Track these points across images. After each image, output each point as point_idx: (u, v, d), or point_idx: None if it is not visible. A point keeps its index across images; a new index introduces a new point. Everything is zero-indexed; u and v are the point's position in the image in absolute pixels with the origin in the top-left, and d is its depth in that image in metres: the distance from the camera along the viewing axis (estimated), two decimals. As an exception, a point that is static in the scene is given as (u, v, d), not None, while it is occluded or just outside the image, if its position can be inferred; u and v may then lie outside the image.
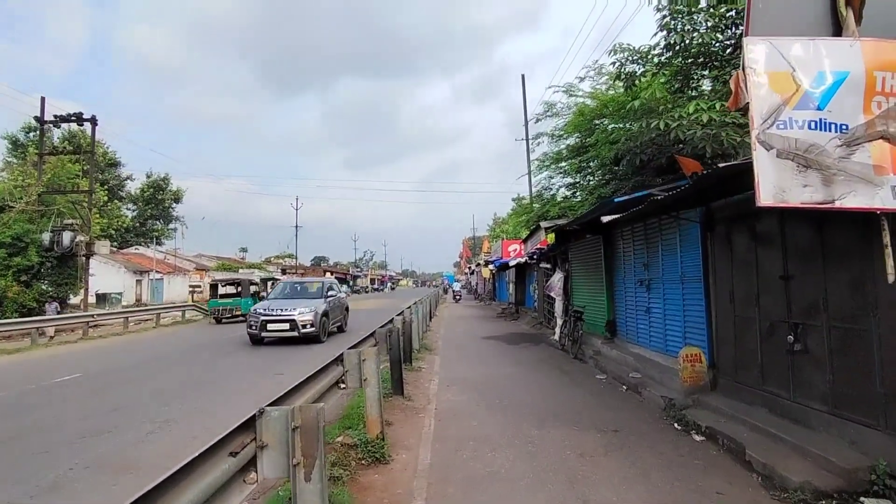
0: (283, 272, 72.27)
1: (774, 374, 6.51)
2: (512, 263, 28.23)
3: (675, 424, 7.19)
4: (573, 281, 15.93)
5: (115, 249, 52.28)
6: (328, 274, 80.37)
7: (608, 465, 5.72)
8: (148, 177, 65.22)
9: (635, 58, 9.40)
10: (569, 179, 15.34)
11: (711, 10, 7.48)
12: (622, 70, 9.76)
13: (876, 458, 4.67)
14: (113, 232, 56.96)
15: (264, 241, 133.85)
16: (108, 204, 56.61)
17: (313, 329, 15.92)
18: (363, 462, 5.74)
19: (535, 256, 20.91)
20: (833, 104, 4.01)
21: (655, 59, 9.61)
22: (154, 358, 14.46)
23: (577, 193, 14.40)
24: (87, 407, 8.79)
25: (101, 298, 36.50)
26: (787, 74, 4.10)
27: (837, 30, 4.33)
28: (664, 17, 8.17)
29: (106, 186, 58.39)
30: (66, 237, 25.43)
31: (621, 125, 11.35)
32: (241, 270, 62.56)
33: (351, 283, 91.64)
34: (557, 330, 15.72)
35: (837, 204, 3.94)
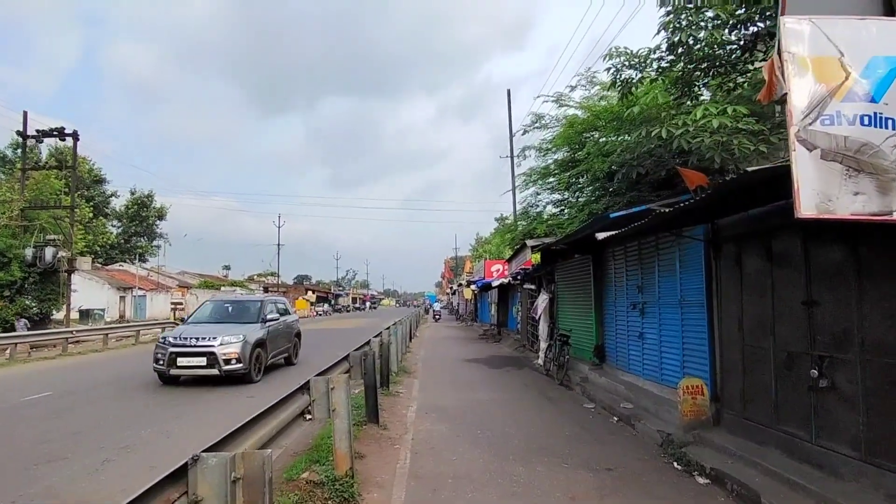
0: (266, 290, 71.10)
1: (792, 412, 5.82)
2: (495, 284, 27.48)
3: (675, 463, 6.48)
4: (559, 303, 15.25)
5: (99, 266, 51.20)
6: (310, 293, 79.27)
7: (606, 514, 5.00)
8: (132, 193, 64.34)
9: (633, 62, 8.77)
10: (557, 196, 14.65)
11: (725, 4, 6.82)
12: (618, 76, 9.14)
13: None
14: (98, 248, 55.91)
15: (248, 259, 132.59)
16: (94, 220, 55.70)
17: (240, 365, 11.92)
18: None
19: (518, 277, 20.26)
20: (890, 96, 3.38)
21: (655, 65, 9.02)
22: (128, 376, 13.53)
23: (566, 211, 13.71)
24: (47, 430, 8.11)
25: (85, 314, 35.88)
26: (833, 60, 3.47)
27: (889, 9, 3.72)
28: (668, 12, 7.50)
29: (91, 203, 57.44)
30: (49, 253, 25.12)
31: (615, 137, 10.75)
32: (223, 288, 61.48)
33: (333, 301, 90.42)
34: (541, 354, 15.02)
35: (896, 216, 3.29)
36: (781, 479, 5.34)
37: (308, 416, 5.15)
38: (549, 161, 14.18)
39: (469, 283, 42.41)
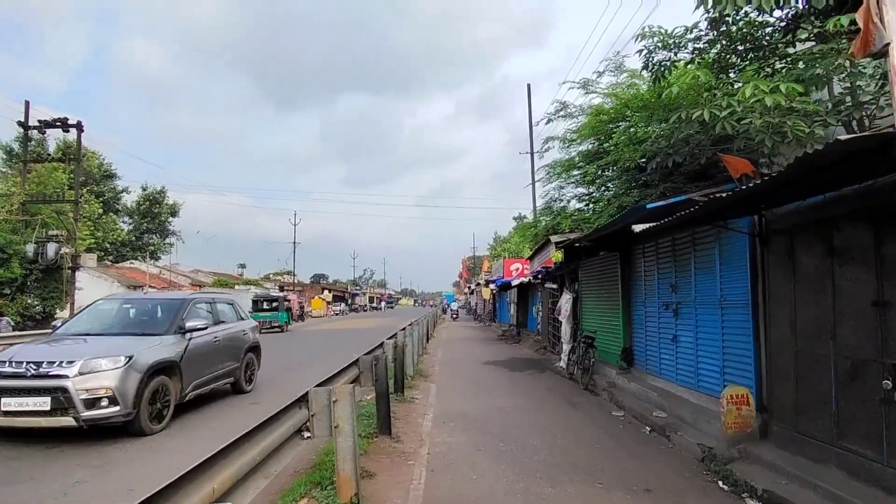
0: (281, 289, 70.81)
1: (858, 427, 5.11)
2: (514, 283, 26.77)
3: (721, 483, 5.81)
4: (583, 303, 14.55)
5: (109, 263, 51.12)
6: (326, 292, 78.85)
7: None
8: (144, 190, 64.13)
9: (668, 43, 8.05)
10: (582, 190, 13.89)
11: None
12: (650, 59, 8.42)
13: None
14: (108, 245, 55.94)
15: (264, 258, 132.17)
16: (104, 217, 55.68)
17: (116, 409, 7.31)
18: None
19: (539, 276, 19.57)
20: None
21: (690, 46, 8.30)
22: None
23: (592, 206, 12.94)
24: (24, 442, 7.22)
25: None
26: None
27: None
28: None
29: (101, 199, 57.44)
30: (51, 249, 24.41)
31: (646, 127, 10.00)
32: (236, 287, 61.27)
33: (349, 301, 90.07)
34: (564, 356, 14.35)
35: None
36: (849, 505, 4.66)
37: (306, 434, 4.54)
38: (574, 153, 13.43)
39: (487, 283, 41.64)
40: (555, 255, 14.03)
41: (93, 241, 53.00)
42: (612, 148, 10.68)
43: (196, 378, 9.07)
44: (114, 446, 7.18)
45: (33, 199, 25.55)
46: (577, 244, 11.92)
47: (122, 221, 62.61)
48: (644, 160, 9.63)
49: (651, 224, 6.86)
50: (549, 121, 13.88)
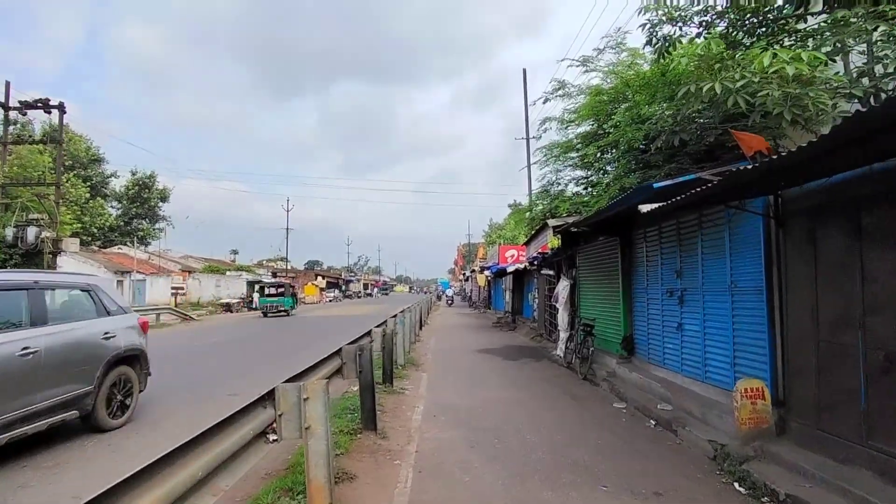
0: (274, 275, 70.36)
1: (890, 426, 4.61)
2: (510, 270, 26.23)
3: (737, 485, 5.32)
4: (581, 290, 14.03)
5: (96, 249, 50.32)
6: (320, 278, 78.22)
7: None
8: (133, 174, 63.28)
9: (673, 16, 7.46)
10: (580, 173, 13.27)
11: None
12: (654, 33, 7.83)
13: None
14: (95, 230, 55.16)
15: (258, 244, 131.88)
16: (91, 201, 54.84)
17: None
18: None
19: (536, 262, 19.03)
20: None
21: (697, 20, 7.74)
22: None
23: (590, 189, 12.33)
24: None
25: None
26: None
27: None
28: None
29: (89, 183, 56.61)
30: (31, 233, 23.73)
31: (648, 106, 9.42)
32: (227, 273, 60.68)
33: (343, 287, 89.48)
34: (561, 344, 13.85)
35: None
36: (884, 513, 4.16)
37: (271, 438, 3.99)
38: (572, 135, 12.80)
39: (483, 269, 41.04)
40: (552, 241, 13.46)
41: (79, 225, 52.43)
42: (611, 129, 10.09)
43: None
44: (74, 444, 6.65)
45: (13, 181, 24.81)
46: (576, 229, 11.35)
47: (111, 206, 61.91)
48: (646, 141, 9.05)
49: (660, 204, 6.30)
50: (546, 100, 13.22)
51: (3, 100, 24.46)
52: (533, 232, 16.79)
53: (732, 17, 7.54)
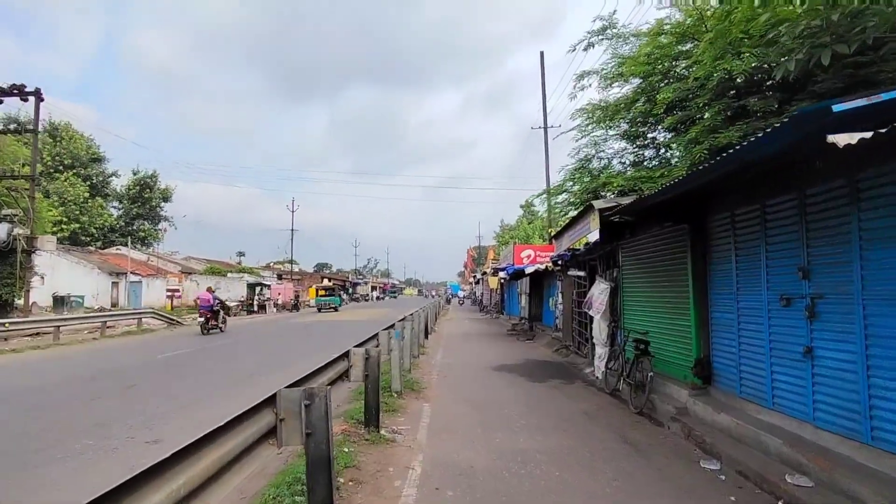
0: (280, 277, 68.22)
1: None
2: (528, 271, 23.19)
3: None
4: (625, 294, 11.11)
5: (93, 249, 48.13)
6: (325, 281, 75.69)
7: None
8: (135, 174, 61.24)
9: None
10: (625, 144, 10.17)
11: None
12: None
13: None
14: (94, 230, 53.05)
15: (266, 247, 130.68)
16: (90, 201, 52.71)
17: None
18: None
19: (560, 262, 16.10)
20: None
21: None
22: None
23: (651, 160, 9.32)
24: None
25: (59, 301, 31.73)
26: None
27: None
28: None
29: (89, 182, 54.61)
30: (3, 230, 21.89)
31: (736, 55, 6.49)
32: (229, 274, 58.19)
33: (350, 290, 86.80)
34: (598, 362, 10.99)
35: None
36: None
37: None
38: (619, 95, 9.80)
39: (496, 271, 37.92)
40: (593, 222, 10.51)
41: (77, 225, 50.31)
42: (698, 58, 7.02)
43: None
44: None
45: (-18, 175, 22.89)
46: (620, 218, 8.43)
47: (112, 206, 59.97)
48: (753, 74, 6.12)
49: (868, 133, 3.31)
50: (588, 46, 10.06)
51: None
52: (569, 220, 13.56)
53: None
